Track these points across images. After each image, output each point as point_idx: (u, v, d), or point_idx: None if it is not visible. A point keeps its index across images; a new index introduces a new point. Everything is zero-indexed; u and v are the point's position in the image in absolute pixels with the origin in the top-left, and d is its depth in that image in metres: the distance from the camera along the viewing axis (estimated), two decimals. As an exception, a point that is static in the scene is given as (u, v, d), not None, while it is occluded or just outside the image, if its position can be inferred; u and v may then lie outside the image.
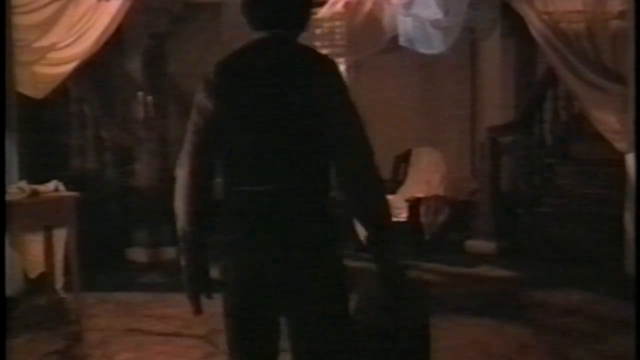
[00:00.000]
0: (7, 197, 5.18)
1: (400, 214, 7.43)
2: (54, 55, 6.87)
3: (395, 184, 8.12)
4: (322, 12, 7.32)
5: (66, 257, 5.76)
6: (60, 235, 5.78)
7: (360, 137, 2.72)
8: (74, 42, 6.88)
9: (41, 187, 5.52)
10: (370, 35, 7.26)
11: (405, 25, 7.12)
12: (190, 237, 2.83)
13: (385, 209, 2.78)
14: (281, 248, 2.70)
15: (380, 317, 2.94)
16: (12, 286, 5.60)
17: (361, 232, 2.76)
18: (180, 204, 2.82)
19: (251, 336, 2.80)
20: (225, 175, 2.78)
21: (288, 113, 2.70)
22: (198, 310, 2.85)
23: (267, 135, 2.71)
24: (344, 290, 2.80)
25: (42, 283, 5.93)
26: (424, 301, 3.29)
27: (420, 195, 7.78)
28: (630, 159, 6.37)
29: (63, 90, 7.23)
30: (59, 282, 5.90)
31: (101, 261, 6.34)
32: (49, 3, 6.73)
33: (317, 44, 7.58)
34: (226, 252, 2.79)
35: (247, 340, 2.81)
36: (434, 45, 7.16)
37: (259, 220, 2.70)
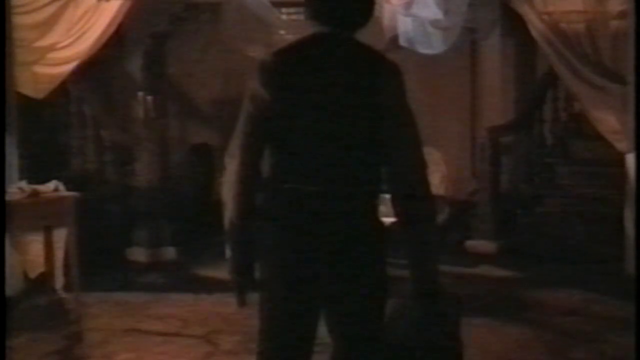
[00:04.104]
0: (7, 197, 5.18)
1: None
2: (54, 55, 6.86)
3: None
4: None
5: (66, 257, 5.76)
6: (60, 235, 5.78)
7: (415, 146, 2.70)
8: (74, 42, 6.87)
9: (41, 187, 5.52)
10: (370, 35, 7.25)
11: (405, 25, 7.11)
12: (238, 228, 2.76)
13: (432, 222, 2.77)
14: (326, 251, 2.66)
15: (411, 332, 2.85)
16: (12, 286, 5.60)
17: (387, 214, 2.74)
18: (230, 195, 2.78)
19: (287, 338, 2.77)
20: (273, 170, 2.73)
21: (345, 111, 2.65)
22: (242, 302, 2.80)
23: (320, 132, 2.66)
24: (384, 298, 2.78)
25: (42, 283, 5.92)
26: (456, 314, 3.21)
27: (420, 195, 7.75)
28: (630, 159, 6.37)
29: (63, 90, 7.22)
30: (59, 282, 5.89)
31: (101, 261, 6.34)
32: (49, 3, 6.72)
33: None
34: (269, 249, 2.74)
35: (283, 341, 2.77)
36: (434, 45, 7.15)
37: (305, 221, 2.66)
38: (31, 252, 5.98)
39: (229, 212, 2.79)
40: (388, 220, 2.78)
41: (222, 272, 6.50)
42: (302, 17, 8.32)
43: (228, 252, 2.84)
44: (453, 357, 3.05)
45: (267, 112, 2.68)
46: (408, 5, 7.01)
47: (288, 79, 2.68)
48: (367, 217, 2.72)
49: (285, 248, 2.70)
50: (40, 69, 6.80)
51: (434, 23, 7.04)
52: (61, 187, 5.61)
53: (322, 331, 2.84)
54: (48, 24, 6.76)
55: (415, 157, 2.70)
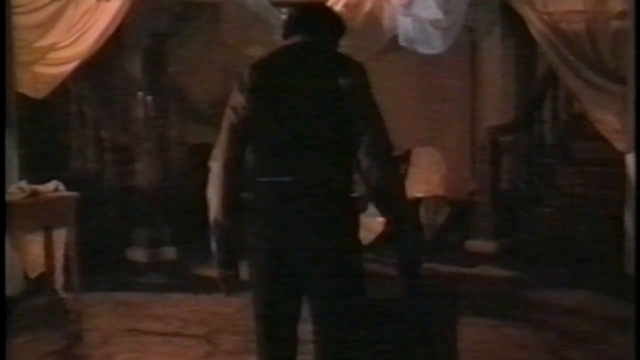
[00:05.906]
0: (7, 197, 5.18)
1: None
2: (54, 55, 6.86)
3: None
4: (322, 12, 7.31)
5: (66, 257, 5.76)
6: (60, 235, 5.78)
7: (382, 134, 2.94)
8: (74, 42, 6.87)
9: (41, 187, 5.52)
10: (370, 35, 7.25)
11: (405, 25, 7.11)
12: (222, 225, 3.03)
13: (402, 198, 3.01)
14: (303, 237, 2.91)
15: (399, 300, 3.14)
16: (12, 286, 5.60)
17: (371, 226, 2.94)
18: (213, 194, 3.10)
19: (273, 321, 3.04)
20: (253, 166, 3.00)
21: (316, 111, 2.93)
22: (228, 292, 3.09)
23: (295, 130, 2.93)
24: (361, 280, 3.02)
25: (42, 283, 5.93)
26: (452, 303, 3.35)
27: (420, 195, 7.77)
28: (630, 159, 6.37)
29: (63, 90, 7.22)
30: (59, 282, 5.89)
31: (101, 261, 6.34)
32: (49, 3, 6.72)
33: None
34: (252, 239, 3.02)
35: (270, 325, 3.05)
36: (434, 45, 7.15)
37: (282, 209, 2.92)
38: (31, 252, 5.98)
39: (213, 210, 3.12)
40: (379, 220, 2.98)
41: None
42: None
43: (213, 246, 3.10)
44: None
45: (246, 118, 2.97)
46: (408, 5, 7.01)
47: (264, 86, 2.99)
48: (339, 203, 2.95)
49: (265, 236, 2.96)
50: (40, 69, 6.80)
51: (434, 23, 7.04)
52: (61, 187, 5.61)
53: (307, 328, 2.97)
54: (48, 24, 6.76)
55: (382, 144, 2.93)
